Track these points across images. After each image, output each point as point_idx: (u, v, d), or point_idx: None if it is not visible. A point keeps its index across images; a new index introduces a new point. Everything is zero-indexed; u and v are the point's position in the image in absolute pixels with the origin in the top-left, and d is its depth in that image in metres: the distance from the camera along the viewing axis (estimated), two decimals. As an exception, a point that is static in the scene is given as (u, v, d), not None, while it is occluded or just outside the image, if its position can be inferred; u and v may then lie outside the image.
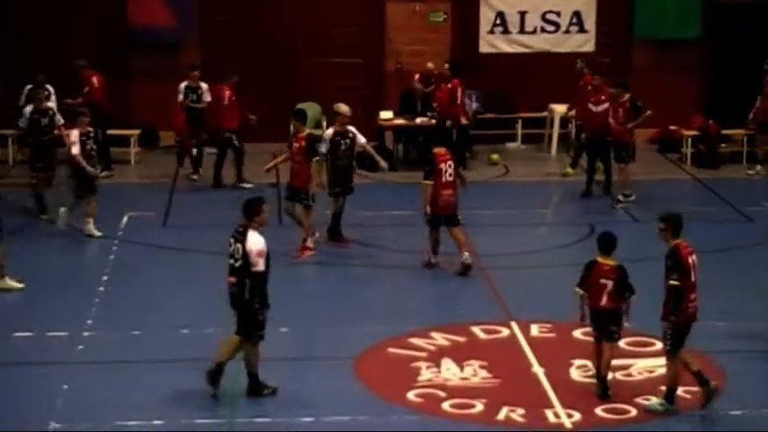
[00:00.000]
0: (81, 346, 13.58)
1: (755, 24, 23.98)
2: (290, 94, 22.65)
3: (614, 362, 12.60)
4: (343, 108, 17.54)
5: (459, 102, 21.72)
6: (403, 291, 15.99)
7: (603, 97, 20.05)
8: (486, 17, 24.39)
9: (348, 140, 17.32)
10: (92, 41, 22.99)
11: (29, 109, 18.73)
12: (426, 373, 12.93)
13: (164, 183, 20.79)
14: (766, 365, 13.42)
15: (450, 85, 21.65)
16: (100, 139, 19.93)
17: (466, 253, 16.03)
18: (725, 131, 22.92)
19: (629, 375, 12.97)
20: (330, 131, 17.42)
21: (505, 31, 24.41)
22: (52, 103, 19.65)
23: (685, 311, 11.91)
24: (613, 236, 12.51)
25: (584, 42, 24.58)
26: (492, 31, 24.44)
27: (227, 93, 20.94)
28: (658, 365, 12.84)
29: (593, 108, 20.17)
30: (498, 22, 24.40)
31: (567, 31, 24.57)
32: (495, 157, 22.95)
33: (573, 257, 16.59)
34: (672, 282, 11.82)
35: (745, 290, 15.63)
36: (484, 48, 24.41)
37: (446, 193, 16.12)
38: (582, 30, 24.56)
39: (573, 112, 22.28)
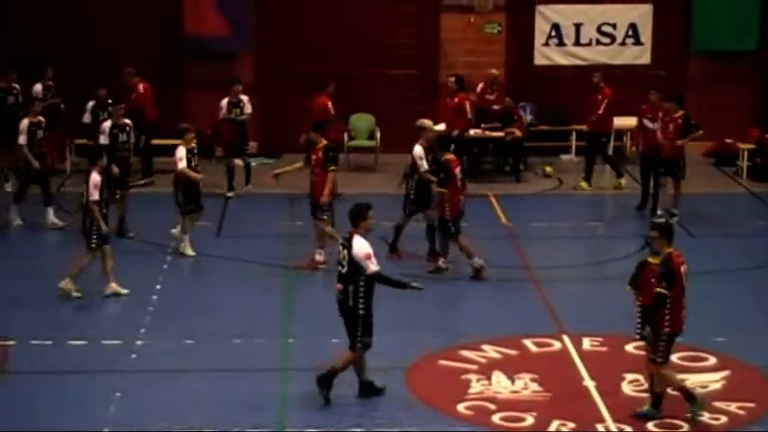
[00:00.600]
0: (134, 355, 13.73)
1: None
2: (346, 105, 22.77)
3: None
4: (428, 123, 17.27)
5: (468, 116, 21.66)
6: (454, 302, 16.01)
7: (660, 114, 19.80)
8: (542, 29, 24.39)
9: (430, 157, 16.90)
10: (147, 51, 23.26)
11: (107, 125, 18.61)
12: (477, 386, 12.93)
13: (218, 192, 20.96)
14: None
15: (456, 99, 21.57)
16: (141, 147, 20.43)
17: (477, 258, 16.26)
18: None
19: (682, 390, 12.90)
20: (420, 149, 16.87)
21: (560, 44, 24.41)
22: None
23: (679, 321, 11.92)
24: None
25: (640, 55, 24.51)
26: (547, 43, 24.44)
27: (329, 103, 21.02)
28: (712, 380, 12.79)
29: (649, 124, 19.96)
30: (553, 33, 24.39)
31: (623, 44, 24.52)
32: (548, 169, 22.93)
33: (626, 271, 16.49)
34: (660, 290, 11.75)
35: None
36: (539, 60, 24.42)
37: (460, 199, 16.37)
38: (638, 42, 24.49)
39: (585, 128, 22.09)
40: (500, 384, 12.98)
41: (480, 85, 23.22)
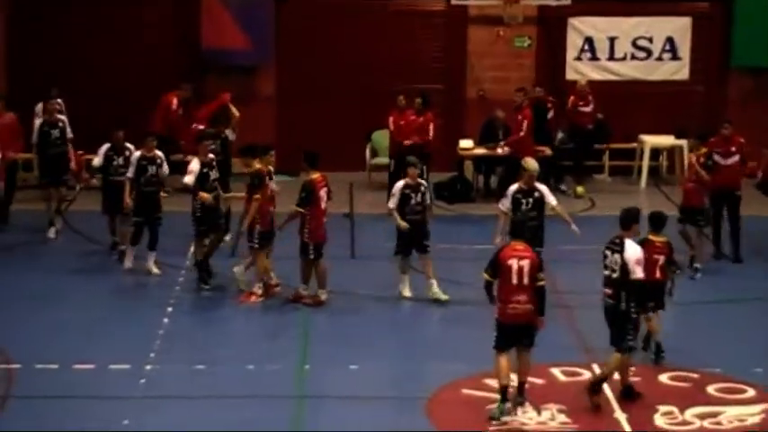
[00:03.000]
0: (143, 380, 13.65)
1: None
2: (369, 121, 22.71)
3: (703, 409, 12.55)
4: (532, 164, 16.33)
5: (430, 136, 21.18)
6: (479, 328, 15.81)
7: (733, 148, 18.48)
8: (574, 43, 24.30)
9: (531, 200, 16.13)
10: (165, 64, 23.32)
11: (137, 155, 17.73)
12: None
13: (236, 211, 20.86)
14: None
15: (422, 119, 21.24)
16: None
17: (325, 291, 16.24)
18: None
19: (719, 424, 12.71)
20: (514, 187, 16.35)
21: (594, 58, 24.30)
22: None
23: (503, 311, 12.91)
24: (664, 215, 14.17)
25: (678, 70, 24.39)
26: (579, 58, 24.34)
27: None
28: (750, 413, 12.61)
29: (721, 161, 18.41)
30: (586, 47, 24.30)
31: (660, 59, 24.40)
32: (580, 189, 22.78)
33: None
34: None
35: None
36: (570, 74, 24.32)
37: (322, 222, 16.19)
38: (675, 57, 24.37)
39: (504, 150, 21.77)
40: (526, 415, 12.83)
41: (571, 99, 22.97)
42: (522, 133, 21.34)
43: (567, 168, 23.31)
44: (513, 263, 12.78)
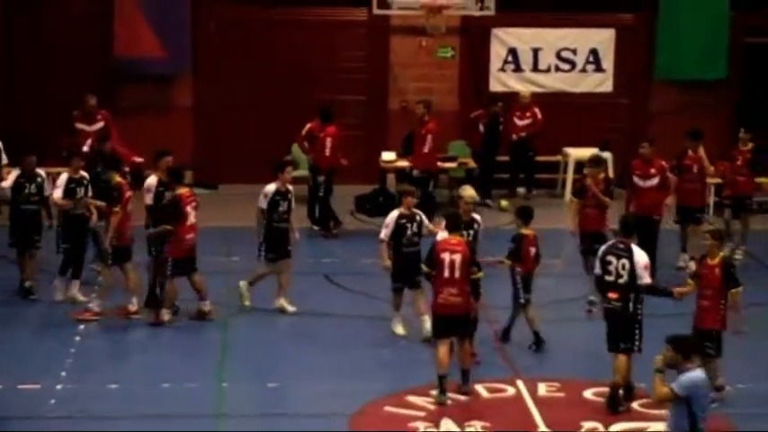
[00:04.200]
0: (53, 400, 13.43)
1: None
2: (287, 133, 22.62)
3: (627, 425, 12.65)
4: (468, 192, 15.43)
5: (328, 152, 20.55)
6: (401, 345, 15.82)
7: (653, 170, 17.93)
8: (498, 53, 24.40)
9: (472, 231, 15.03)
10: (75, 74, 23.00)
11: (64, 178, 16.75)
12: (424, 434, 12.80)
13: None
14: None
15: (321, 134, 20.73)
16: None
17: (166, 310, 16.00)
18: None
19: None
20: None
21: (518, 69, 24.41)
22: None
23: (435, 302, 13.77)
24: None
25: (602, 82, 24.59)
26: (503, 69, 24.44)
27: None
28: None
29: (641, 183, 17.90)
30: (510, 59, 24.41)
31: (584, 70, 24.58)
32: (504, 203, 22.84)
33: (583, 311, 16.53)
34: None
35: None
36: (495, 86, 24.40)
37: (188, 238, 15.94)
38: (599, 69, 24.56)
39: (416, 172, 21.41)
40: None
41: (478, 112, 23.06)
42: (426, 150, 21.21)
43: (497, 182, 23.35)
44: (446, 256, 13.48)
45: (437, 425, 12.97)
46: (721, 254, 13.63)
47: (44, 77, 23.20)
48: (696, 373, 10.14)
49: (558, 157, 24.14)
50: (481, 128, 23.07)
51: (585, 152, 23.75)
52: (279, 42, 23.92)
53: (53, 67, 23.28)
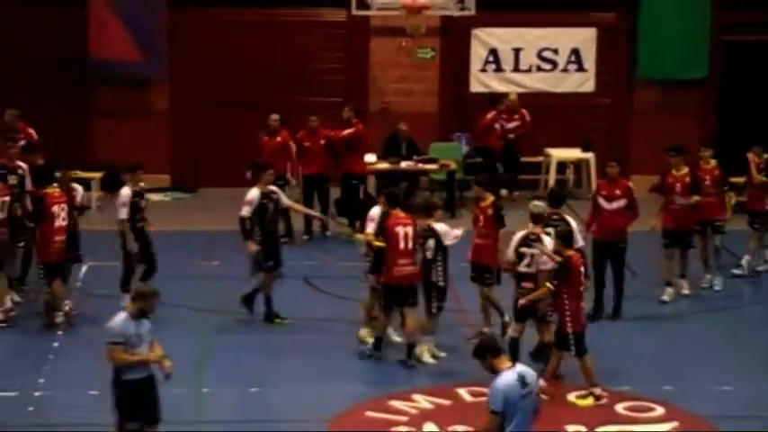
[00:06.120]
0: (31, 408, 13.46)
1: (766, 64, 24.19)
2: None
3: (612, 428, 12.73)
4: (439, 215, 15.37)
5: (292, 158, 20.57)
6: (383, 348, 15.87)
7: (618, 191, 16.83)
8: (478, 54, 24.49)
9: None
10: (50, 76, 23.00)
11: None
12: (407, 440, 12.85)
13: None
14: None
15: (279, 138, 20.62)
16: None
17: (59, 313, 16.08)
18: (732, 179, 22.77)
19: (628, 442, 12.93)
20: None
21: (498, 69, 24.52)
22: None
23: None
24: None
25: (584, 82, 24.71)
26: (484, 69, 24.54)
27: None
28: (659, 432, 12.83)
29: (606, 205, 16.78)
30: (491, 59, 24.50)
31: (565, 70, 24.69)
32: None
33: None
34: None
35: None
36: (475, 87, 24.50)
37: (56, 240, 15.84)
38: (581, 69, 24.67)
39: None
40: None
41: (492, 114, 23.12)
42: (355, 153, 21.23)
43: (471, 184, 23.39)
44: (400, 230, 14.63)
45: (419, 429, 13.02)
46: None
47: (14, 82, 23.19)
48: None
49: (540, 158, 24.24)
50: (497, 127, 23.15)
51: (568, 153, 23.95)
52: (258, 44, 23.97)
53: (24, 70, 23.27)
